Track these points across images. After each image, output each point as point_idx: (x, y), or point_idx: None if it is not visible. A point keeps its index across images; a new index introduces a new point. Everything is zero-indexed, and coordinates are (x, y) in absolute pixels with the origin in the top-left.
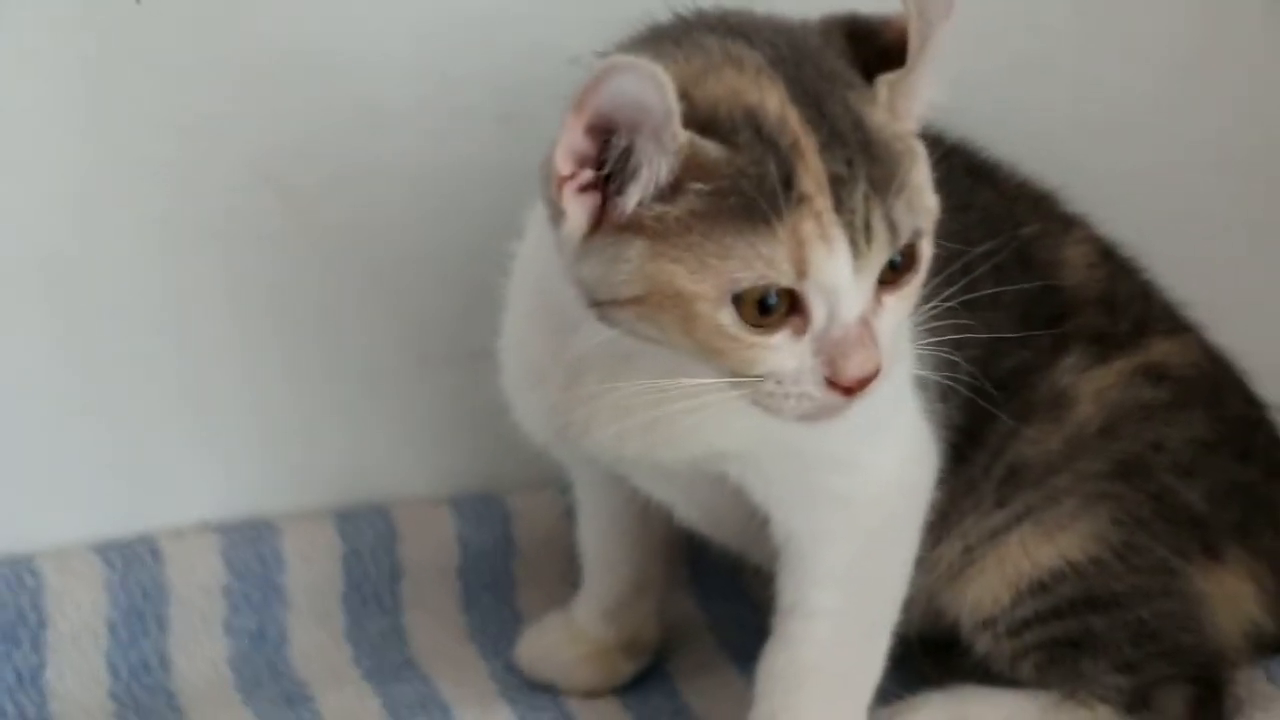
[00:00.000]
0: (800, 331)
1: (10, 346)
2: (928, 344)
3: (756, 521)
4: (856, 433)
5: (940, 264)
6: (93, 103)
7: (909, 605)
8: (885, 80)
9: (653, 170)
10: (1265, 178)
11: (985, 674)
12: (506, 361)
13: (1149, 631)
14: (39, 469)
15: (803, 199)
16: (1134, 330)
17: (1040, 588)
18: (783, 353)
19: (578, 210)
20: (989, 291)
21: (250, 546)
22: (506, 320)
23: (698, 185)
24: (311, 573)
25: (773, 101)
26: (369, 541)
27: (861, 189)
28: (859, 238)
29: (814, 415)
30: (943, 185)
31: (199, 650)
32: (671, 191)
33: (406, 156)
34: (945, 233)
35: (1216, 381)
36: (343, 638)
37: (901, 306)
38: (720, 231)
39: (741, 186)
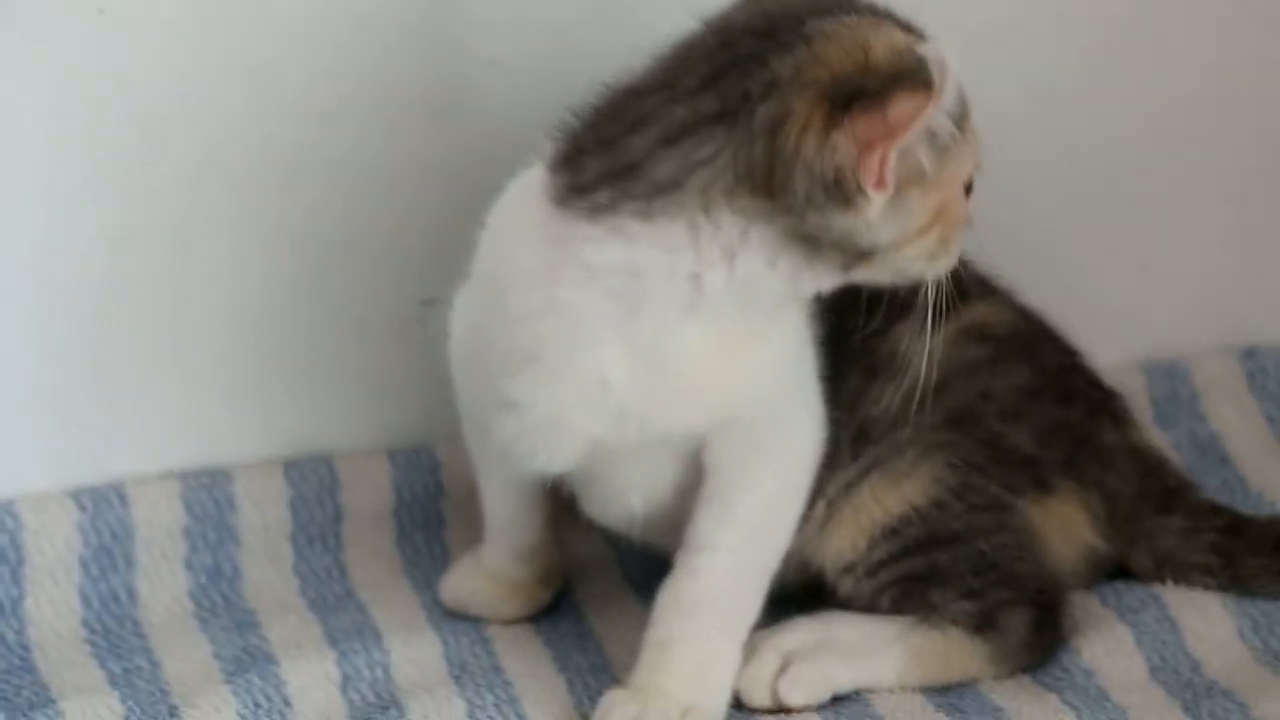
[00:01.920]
0: None
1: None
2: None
3: (688, 488)
4: (795, 396)
5: None
6: (60, 99)
7: (784, 561)
8: None
9: (943, 129)
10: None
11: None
12: (502, 365)
13: (989, 562)
14: (19, 423)
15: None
16: (952, 298)
17: (891, 531)
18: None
19: (892, 181)
20: None
21: (207, 492)
22: (509, 330)
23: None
24: (262, 515)
25: (916, 37)
26: (314, 488)
27: None
28: None
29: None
30: None
31: (161, 584)
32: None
33: (347, 150)
34: None
35: (1032, 335)
36: (290, 573)
37: None
38: (952, 153)
39: (959, 107)
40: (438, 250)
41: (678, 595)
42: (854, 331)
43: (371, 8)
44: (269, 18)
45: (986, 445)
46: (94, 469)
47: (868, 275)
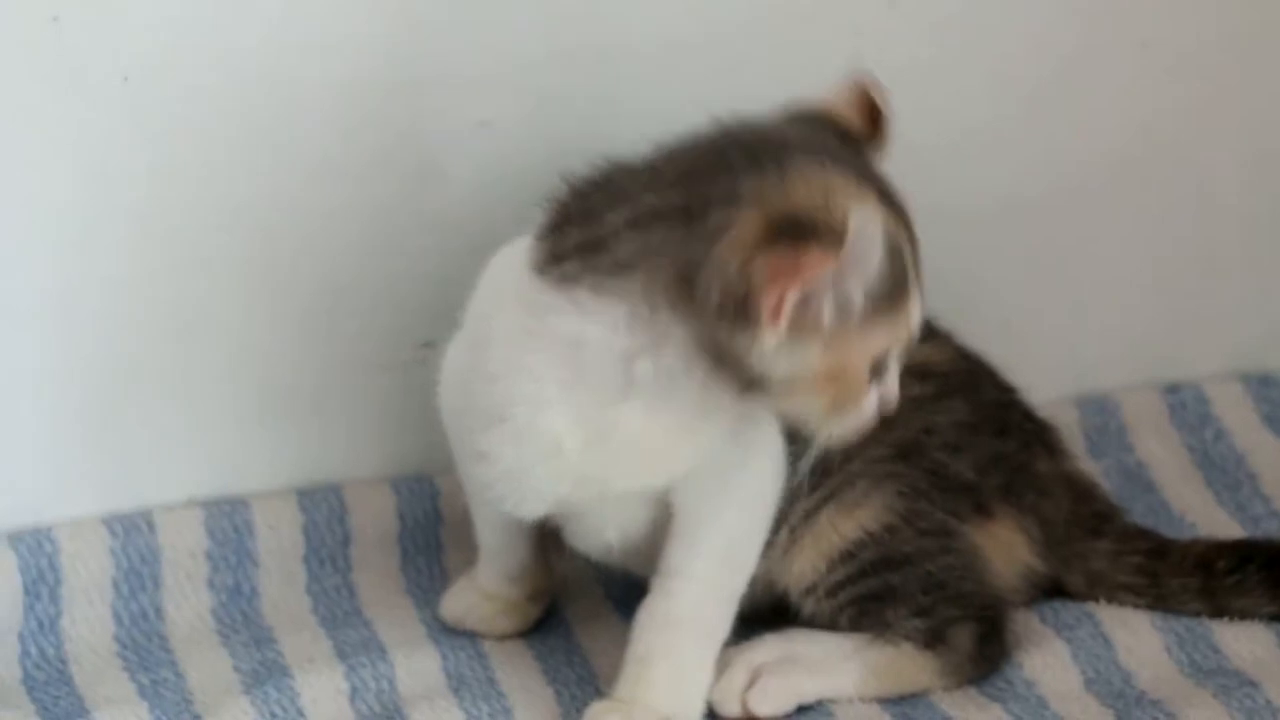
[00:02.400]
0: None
1: (27, 352)
2: None
3: (660, 526)
4: (751, 440)
5: None
6: (87, 153)
7: (752, 584)
8: None
9: (855, 297)
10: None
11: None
12: (485, 418)
13: (937, 582)
14: (57, 456)
15: (912, 284)
16: None
17: (847, 555)
18: (873, 394)
19: (786, 322)
20: None
21: (227, 518)
22: (505, 386)
23: (865, 294)
24: (278, 539)
25: (877, 209)
26: (325, 514)
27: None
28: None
29: (860, 428)
30: None
31: (186, 603)
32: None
33: (348, 204)
34: None
35: (971, 374)
36: (303, 592)
37: None
38: (875, 320)
39: (886, 286)
40: (434, 297)
41: (654, 615)
42: None
43: (371, 75)
44: (279, 83)
45: (931, 474)
46: (124, 498)
47: (763, 406)
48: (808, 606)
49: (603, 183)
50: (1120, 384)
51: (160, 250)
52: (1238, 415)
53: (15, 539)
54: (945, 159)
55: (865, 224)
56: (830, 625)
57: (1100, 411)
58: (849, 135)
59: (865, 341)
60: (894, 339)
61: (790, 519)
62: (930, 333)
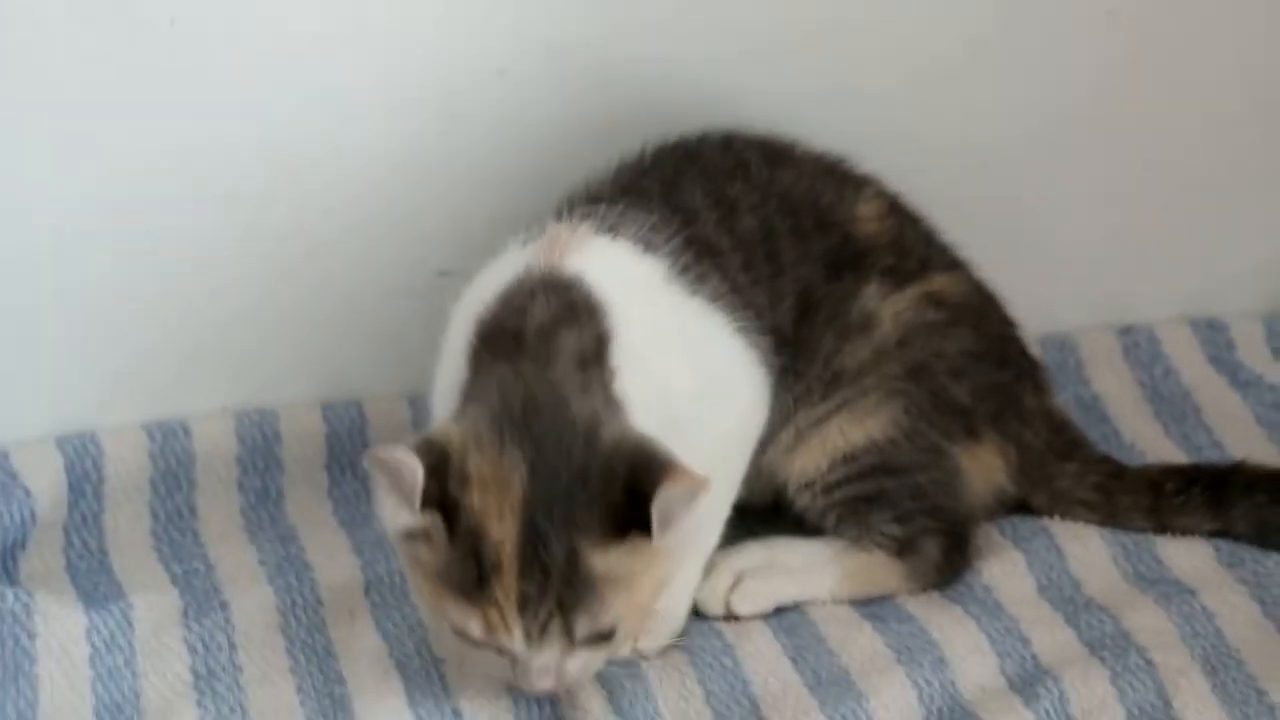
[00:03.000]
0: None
1: (77, 271)
2: (751, 305)
3: None
4: (715, 393)
5: (753, 243)
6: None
7: (755, 477)
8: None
9: (405, 519)
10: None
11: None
12: None
13: (922, 493)
14: (102, 368)
15: (493, 598)
16: (920, 266)
17: (850, 457)
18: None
19: None
20: (793, 255)
21: (257, 427)
22: None
23: (430, 547)
24: (303, 447)
25: (506, 517)
26: (346, 425)
27: (546, 607)
28: (533, 633)
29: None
30: (745, 178)
31: (218, 501)
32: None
33: (378, 145)
34: (754, 214)
35: (981, 306)
36: (325, 496)
37: (600, 655)
38: (444, 582)
39: (457, 567)
40: (451, 229)
41: None
42: (822, 298)
43: (402, 23)
44: (311, 34)
45: (934, 396)
46: (163, 407)
47: None
48: (803, 500)
49: None
50: (1079, 325)
51: (200, 180)
52: (1185, 355)
53: (63, 442)
54: (908, 102)
55: (393, 463)
56: (818, 521)
57: (1060, 349)
58: None
59: (438, 586)
60: (468, 625)
61: (798, 421)
62: (950, 263)
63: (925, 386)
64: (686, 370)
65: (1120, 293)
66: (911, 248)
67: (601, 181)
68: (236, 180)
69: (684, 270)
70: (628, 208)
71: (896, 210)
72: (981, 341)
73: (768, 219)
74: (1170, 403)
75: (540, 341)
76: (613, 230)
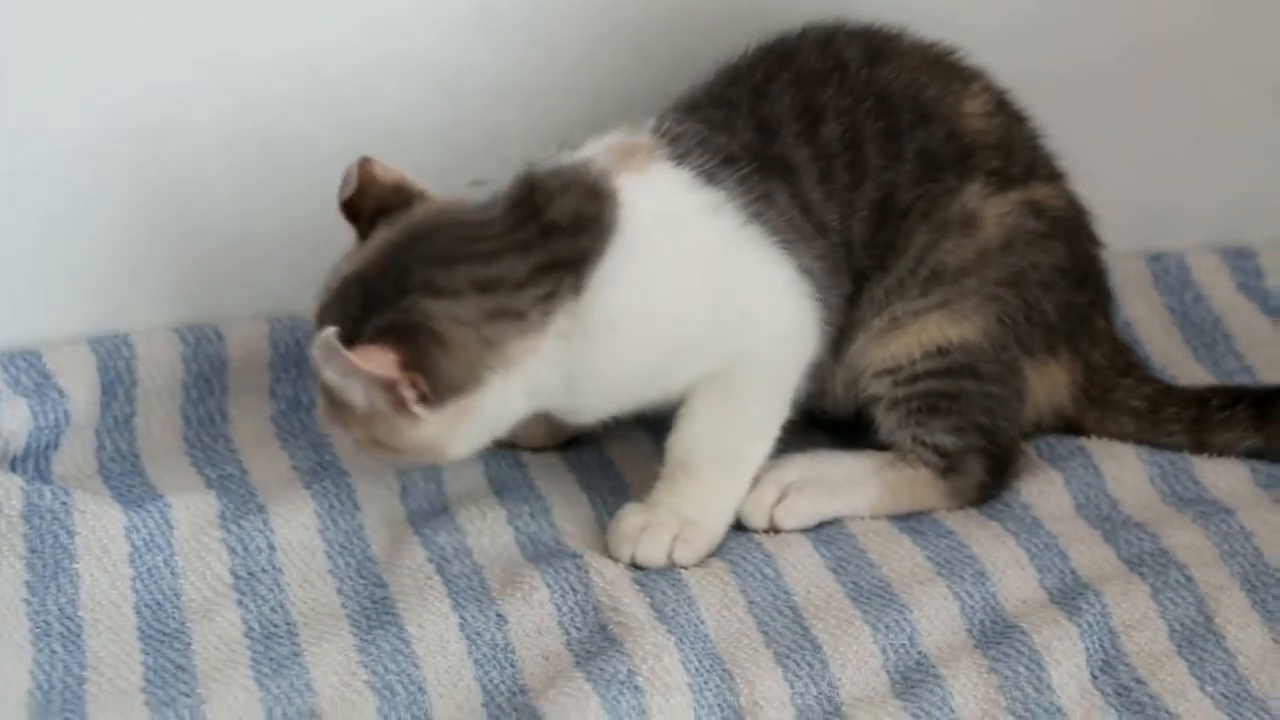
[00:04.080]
0: None
1: (110, 176)
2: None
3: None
4: (738, 331)
5: (834, 153)
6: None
7: (837, 378)
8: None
9: None
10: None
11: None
12: None
13: (989, 407)
14: (134, 269)
15: None
16: (1025, 171)
17: (942, 351)
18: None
19: None
20: (880, 160)
21: (289, 333)
22: None
23: None
24: None
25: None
26: None
27: None
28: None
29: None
30: (840, 80)
31: (250, 407)
32: None
33: (416, 60)
34: (841, 120)
35: (1076, 222)
36: None
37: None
38: None
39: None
40: (484, 140)
41: (681, 440)
42: (914, 194)
43: None
44: None
45: (1027, 308)
46: (197, 311)
47: None
48: (878, 386)
49: None
50: (1110, 251)
51: (233, 88)
52: (1215, 282)
53: (95, 343)
54: (936, 20)
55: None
56: (886, 412)
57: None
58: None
59: None
60: None
61: (895, 310)
62: (1052, 172)
63: (1020, 296)
64: (705, 301)
65: (1150, 220)
66: (1018, 150)
67: (698, 88)
68: (272, 89)
69: (744, 199)
70: (711, 128)
71: (1004, 108)
72: (1071, 258)
73: (856, 124)
74: (1200, 329)
75: (538, 225)
76: (680, 157)
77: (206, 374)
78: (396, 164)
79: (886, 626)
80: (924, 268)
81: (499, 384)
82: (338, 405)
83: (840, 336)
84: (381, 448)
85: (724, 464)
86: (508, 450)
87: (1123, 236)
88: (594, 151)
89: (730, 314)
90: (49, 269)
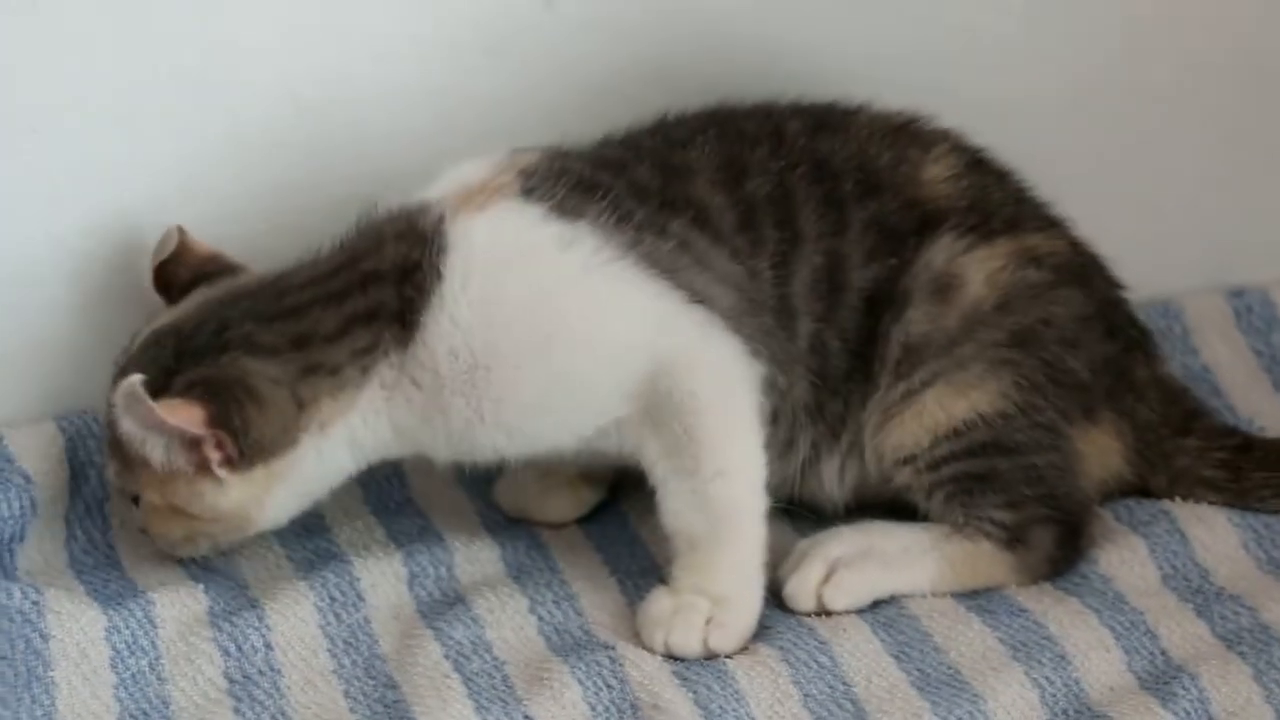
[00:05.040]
0: None
1: (67, 226)
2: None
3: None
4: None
5: (757, 205)
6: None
7: (841, 471)
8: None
9: None
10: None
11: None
12: None
13: (1039, 476)
14: (109, 340)
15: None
16: (1007, 225)
17: (955, 433)
18: None
19: None
20: (820, 225)
21: None
22: None
23: None
24: None
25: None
26: None
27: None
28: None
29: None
30: (773, 145)
31: None
32: None
33: (412, 83)
34: (768, 178)
35: (1084, 267)
36: (354, 482)
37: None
38: None
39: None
40: None
41: (668, 514)
42: (868, 274)
43: None
44: None
45: (1048, 367)
46: None
47: None
48: (902, 476)
49: None
50: (1184, 288)
51: (223, 127)
52: None
53: (63, 420)
54: (1009, 53)
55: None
56: (922, 500)
57: (1164, 315)
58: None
59: None
60: None
61: (881, 401)
62: (1045, 221)
63: (1036, 355)
64: (562, 337)
65: (1229, 252)
66: (996, 207)
67: (604, 139)
68: (264, 124)
69: (612, 232)
70: (593, 165)
71: (977, 168)
72: (1090, 307)
73: (786, 184)
74: None
75: (356, 273)
76: (531, 191)
77: None
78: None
79: (959, 719)
80: (892, 349)
81: (313, 445)
82: (131, 465)
83: (828, 430)
84: (177, 518)
85: (723, 523)
86: (523, 527)
87: (1198, 272)
88: (438, 191)
89: (606, 347)
90: (8, 339)
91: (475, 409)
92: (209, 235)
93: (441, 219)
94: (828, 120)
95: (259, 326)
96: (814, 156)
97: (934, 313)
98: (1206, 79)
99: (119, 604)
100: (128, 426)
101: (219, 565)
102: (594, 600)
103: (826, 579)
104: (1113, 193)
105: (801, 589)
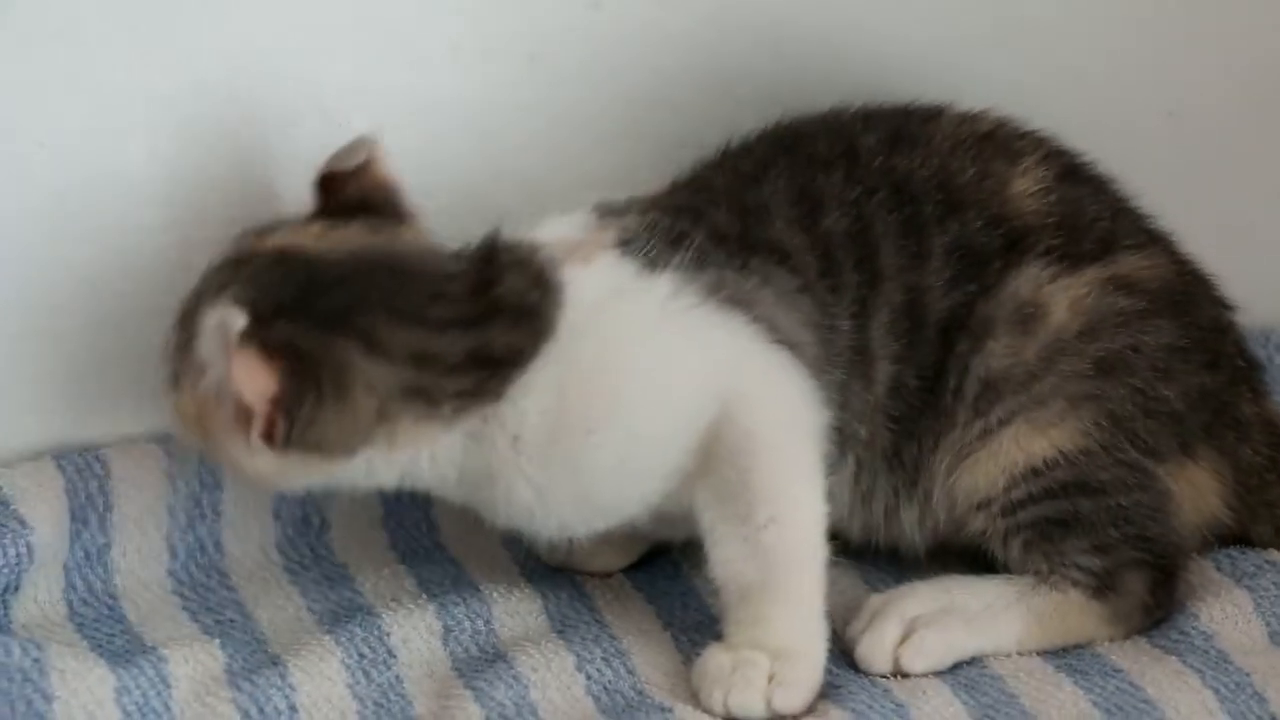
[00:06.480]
0: None
1: (67, 261)
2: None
3: None
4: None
5: (838, 244)
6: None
7: (921, 517)
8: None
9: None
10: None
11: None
12: None
13: (1126, 517)
14: (109, 368)
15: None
16: (1100, 247)
17: (1033, 473)
18: None
19: None
20: (900, 259)
21: None
22: None
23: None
24: None
25: None
26: None
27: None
28: None
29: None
30: (849, 167)
31: (249, 535)
32: None
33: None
34: (845, 211)
35: (1186, 291)
36: (379, 525)
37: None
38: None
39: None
40: (528, 195)
41: (721, 564)
42: (948, 301)
43: None
44: None
45: (1139, 396)
46: None
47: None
48: (977, 523)
49: None
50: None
51: (241, 153)
52: None
53: (61, 459)
54: (1101, 77)
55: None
56: (1001, 546)
57: (1264, 346)
58: None
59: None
60: None
61: (955, 443)
62: (1145, 239)
63: (1125, 385)
64: (652, 399)
65: None
66: (1089, 224)
67: (683, 174)
68: (292, 143)
69: (698, 279)
70: (673, 214)
71: (1070, 178)
72: (1188, 335)
73: (864, 215)
74: None
75: (488, 299)
76: (626, 244)
77: (195, 493)
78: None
79: None
80: (970, 383)
81: (368, 458)
82: (186, 363)
83: (906, 476)
84: (201, 432)
85: (776, 572)
86: (566, 576)
87: None
88: (544, 235)
89: (684, 404)
90: (4, 372)
91: (548, 478)
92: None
93: (555, 264)
94: (905, 131)
95: (392, 323)
96: (892, 178)
97: (1015, 345)
98: None
99: (128, 661)
100: (205, 346)
101: (234, 617)
102: (646, 657)
103: (904, 639)
104: (1206, 206)
105: (877, 650)
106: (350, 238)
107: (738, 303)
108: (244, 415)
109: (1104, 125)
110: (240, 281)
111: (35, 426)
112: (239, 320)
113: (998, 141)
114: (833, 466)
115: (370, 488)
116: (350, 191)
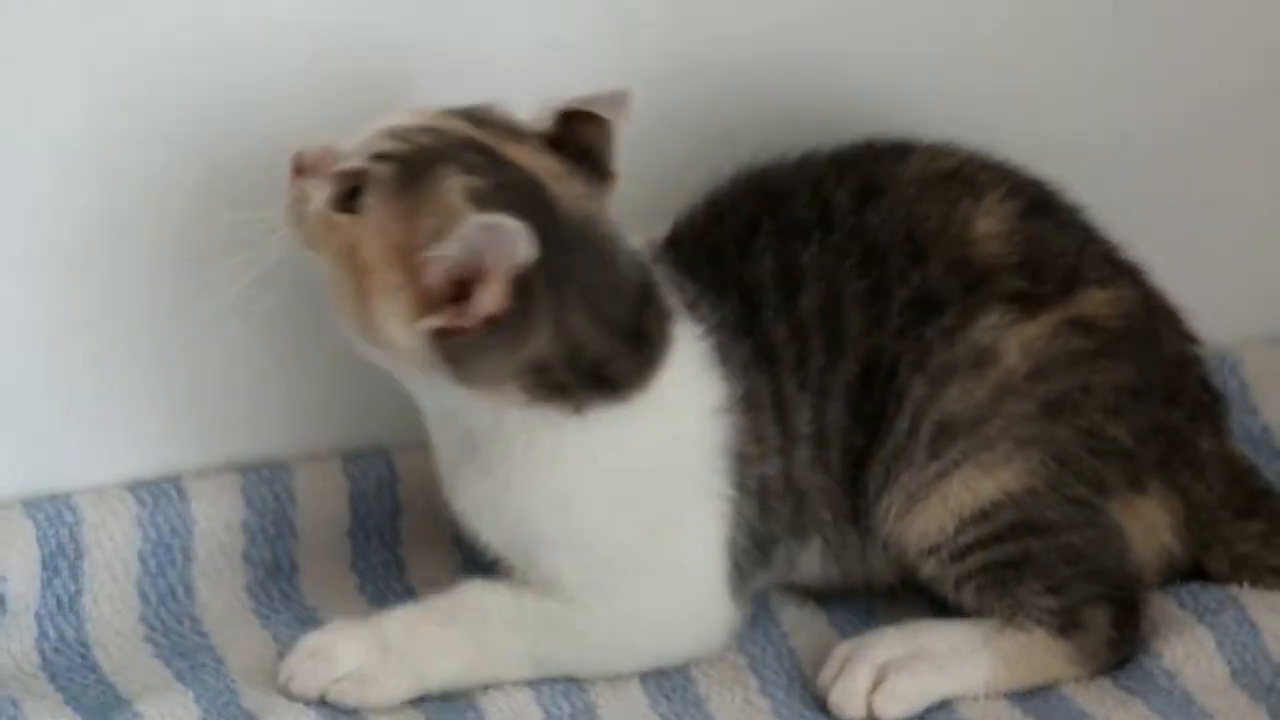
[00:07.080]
0: None
1: (40, 304)
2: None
3: None
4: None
5: (813, 327)
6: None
7: (869, 557)
8: None
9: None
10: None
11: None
12: None
13: (1078, 554)
14: (77, 416)
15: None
16: (1061, 287)
17: (981, 515)
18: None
19: None
20: (862, 324)
21: (267, 485)
22: None
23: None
24: (321, 509)
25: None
26: (373, 482)
27: None
28: None
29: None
30: (825, 230)
31: (220, 579)
32: None
33: None
34: (821, 283)
35: (1149, 328)
36: (349, 567)
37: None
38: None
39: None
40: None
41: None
42: (906, 349)
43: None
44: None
45: (1085, 435)
46: (153, 462)
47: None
48: (927, 568)
49: None
50: (1241, 338)
51: (215, 188)
52: None
53: (32, 507)
54: (1057, 97)
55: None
56: (953, 593)
57: (1220, 369)
58: None
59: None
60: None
61: (906, 484)
62: (1111, 272)
63: (1070, 425)
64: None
65: None
66: (1052, 261)
67: (684, 222)
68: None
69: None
70: (707, 286)
71: (1035, 213)
72: (1146, 373)
73: (836, 286)
74: None
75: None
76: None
77: (166, 539)
78: None
79: None
80: (926, 425)
81: (484, 400)
82: (399, 203)
83: (854, 508)
84: (345, 258)
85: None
86: None
87: (1258, 320)
88: None
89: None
90: None
91: (522, 500)
92: (168, 310)
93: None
94: (874, 179)
95: (581, 305)
96: (863, 238)
97: (969, 388)
98: (1264, 119)
99: (102, 716)
100: (473, 235)
101: (206, 662)
102: (609, 702)
103: (875, 685)
104: (1163, 234)
105: (850, 697)
106: (576, 191)
107: (743, 476)
108: (440, 300)
109: (1058, 147)
110: (496, 185)
111: (4, 472)
112: (528, 248)
113: (963, 179)
114: (801, 546)
115: (411, 390)
116: (585, 135)
